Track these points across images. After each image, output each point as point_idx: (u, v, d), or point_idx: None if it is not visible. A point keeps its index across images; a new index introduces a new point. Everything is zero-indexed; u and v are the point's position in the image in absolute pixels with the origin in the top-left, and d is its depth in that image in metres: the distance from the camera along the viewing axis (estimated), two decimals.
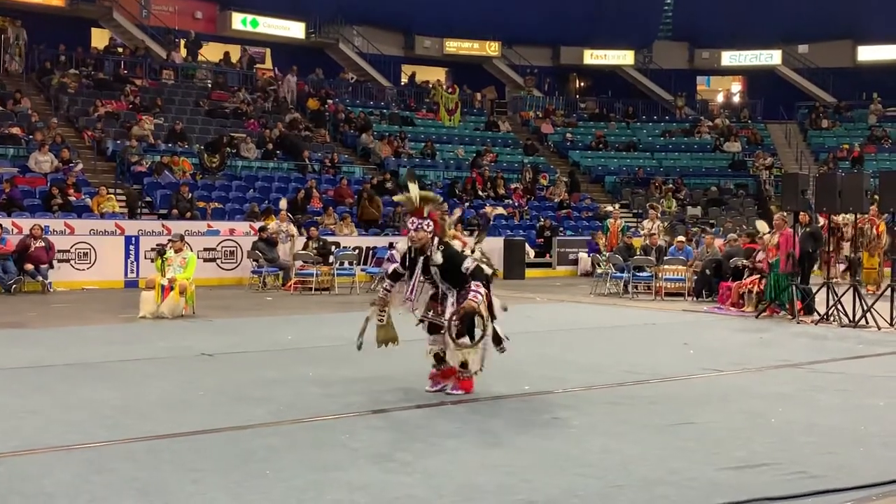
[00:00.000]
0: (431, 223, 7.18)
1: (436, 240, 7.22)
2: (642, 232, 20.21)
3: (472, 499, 4.76)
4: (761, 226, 15.99)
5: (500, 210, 24.37)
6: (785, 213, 13.99)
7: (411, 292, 7.31)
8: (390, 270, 7.68)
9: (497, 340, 7.35)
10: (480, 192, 27.14)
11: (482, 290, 7.10)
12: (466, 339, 7.24)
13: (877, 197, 15.01)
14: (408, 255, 7.36)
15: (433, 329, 7.42)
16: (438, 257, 7.17)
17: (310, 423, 6.45)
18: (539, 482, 5.03)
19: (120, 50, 29.40)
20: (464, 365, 7.33)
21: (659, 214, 21.70)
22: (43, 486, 4.88)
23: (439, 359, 7.47)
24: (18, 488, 4.84)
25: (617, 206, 27.28)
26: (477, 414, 6.81)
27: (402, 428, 6.33)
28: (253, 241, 18.62)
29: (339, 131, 29.40)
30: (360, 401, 7.14)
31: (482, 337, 7.24)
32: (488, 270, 7.50)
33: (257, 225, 19.71)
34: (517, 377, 8.15)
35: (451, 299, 7.27)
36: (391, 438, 5.99)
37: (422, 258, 7.23)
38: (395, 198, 7.81)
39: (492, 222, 24.53)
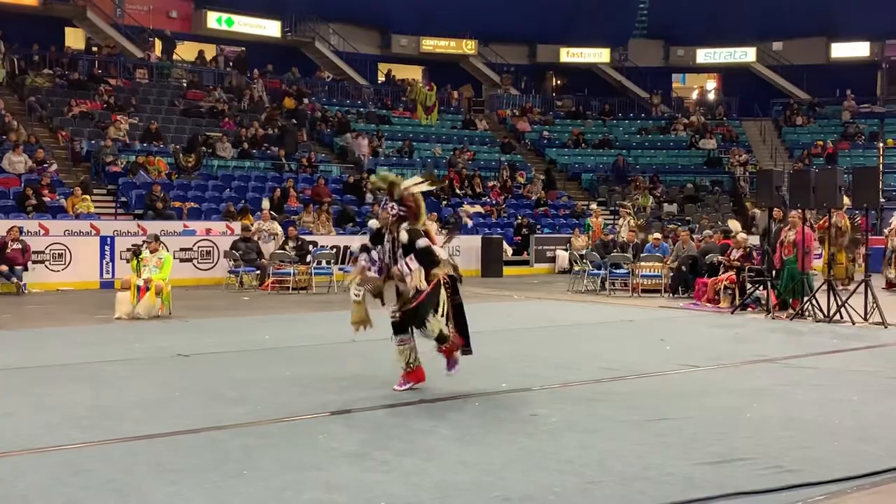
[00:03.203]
0: (396, 206, 7.36)
1: (405, 223, 7.37)
2: (618, 230, 20.26)
3: (450, 496, 4.76)
4: (734, 225, 16.06)
5: (476, 208, 24.31)
6: (799, 211, 13.79)
7: (379, 264, 7.48)
8: (360, 244, 7.77)
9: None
10: (458, 191, 27.15)
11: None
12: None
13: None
14: (379, 233, 7.55)
15: (400, 329, 7.44)
16: (405, 236, 7.36)
17: (287, 423, 6.43)
18: (516, 479, 5.04)
19: (94, 49, 29.16)
20: (440, 338, 7.39)
21: (631, 211, 21.73)
22: (18, 488, 4.84)
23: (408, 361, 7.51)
24: None
25: (595, 204, 27.31)
26: (454, 412, 6.83)
27: (380, 427, 6.34)
28: (233, 241, 18.49)
29: (315, 130, 29.32)
30: (338, 400, 7.14)
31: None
32: (444, 258, 7.56)
33: (238, 225, 19.57)
34: (494, 374, 8.18)
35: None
36: (369, 437, 5.99)
37: (389, 236, 7.44)
38: (371, 179, 8.15)
39: (470, 222, 24.54)
